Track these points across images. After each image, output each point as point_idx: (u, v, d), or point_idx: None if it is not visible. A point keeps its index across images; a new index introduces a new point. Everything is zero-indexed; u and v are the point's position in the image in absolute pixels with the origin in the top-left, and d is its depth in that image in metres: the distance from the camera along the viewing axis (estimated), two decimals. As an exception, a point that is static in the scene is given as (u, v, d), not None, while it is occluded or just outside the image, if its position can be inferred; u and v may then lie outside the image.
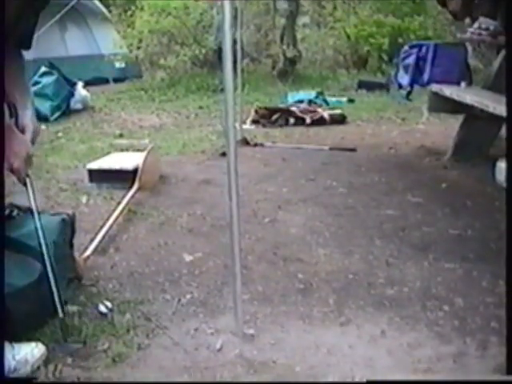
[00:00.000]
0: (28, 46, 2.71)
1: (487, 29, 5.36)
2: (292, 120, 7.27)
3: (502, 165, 4.71)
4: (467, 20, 6.15)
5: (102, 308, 2.87)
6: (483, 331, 2.68)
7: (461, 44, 5.61)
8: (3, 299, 2.45)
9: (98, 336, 2.64)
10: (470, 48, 10.52)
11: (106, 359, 2.47)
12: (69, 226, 3.06)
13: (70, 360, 2.47)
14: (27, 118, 2.63)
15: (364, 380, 2.32)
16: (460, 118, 5.62)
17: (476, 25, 5.50)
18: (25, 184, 2.67)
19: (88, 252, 3.38)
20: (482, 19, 5.47)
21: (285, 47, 10.04)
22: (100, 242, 3.55)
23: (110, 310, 2.88)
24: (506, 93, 3.31)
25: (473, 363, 2.46)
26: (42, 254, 2.78)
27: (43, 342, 2.51)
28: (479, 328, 2.71)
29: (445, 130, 6.61)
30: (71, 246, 3.11)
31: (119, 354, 2.50)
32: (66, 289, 2.95)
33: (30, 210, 2.99)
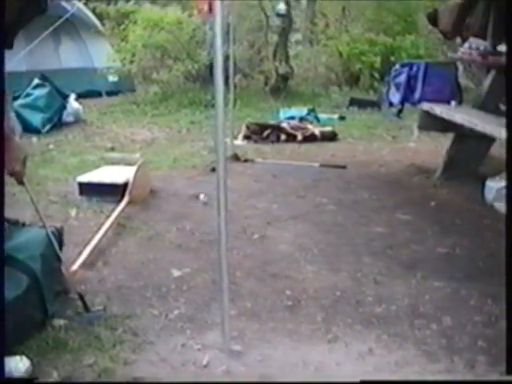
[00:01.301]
0: (10, 46, 2.73)
1: (477, 49, 5.42)
2: (283, 136, 7.28)
3: (490, 184, 4.75)
4: (458, 40, 6.22)
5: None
6: (471, 350, 2.69)
7: (451, 63, 5.66)
8: (3, 301, 2.45)
9: (84, 350, 2.63)
10: (461, 67, 10.63)
11: (91, 374, 2.46)
12: (57, 239, 3.05)
13: (55, 374, 2.46)
14: (12, 120, 2.67)
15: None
16: (450, 136, 5.65)
17: (466, 45, 5.57)
18: (23, 183, 2.93)
19: (76, 265, 3.36)
20: (472, 39, 5.54)
21: (277, 64, 10.08)
22: (88, 255, 3.54)
23: (104, 309, 2.95)
24: (506, 101, 3.33)
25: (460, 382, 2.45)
26: (30, 267, 2.78)
27: (28, 356, 2.49)
28: (467, 347, 2.72)
29: (435, 149, 6.64)
30: (59, 259, 3.09)
31: (105, 369, 2.48)
32: (54, 302, 2.94)
33: (18, 223, 2.99)
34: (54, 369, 2.49)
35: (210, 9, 5.68)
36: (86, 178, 4.89)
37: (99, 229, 3.90)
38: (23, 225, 3.15)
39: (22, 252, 2.79)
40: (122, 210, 4.28)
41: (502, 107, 4.42)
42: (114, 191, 4.61)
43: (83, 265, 3.43)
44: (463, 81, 9.86)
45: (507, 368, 2.34)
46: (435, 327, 2.89)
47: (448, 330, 2.86)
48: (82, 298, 2.97)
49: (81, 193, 4.79)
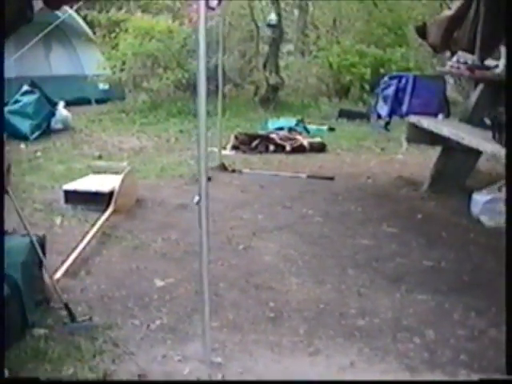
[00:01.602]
0: None
1: (465, 63, 5.44)
2: (272, 147, 7.28)
3: (477, 197, 4.75)
4: (448, 53, 6.25)
5: None
6: (453, 364, 2.68)
7: (440, 76, 5.68)
8: (3, 299, 2.42)
9: (63, 360, 2.60)
10: (451, 81, 10.69)
11: (70, 385, 2.43)
12: (38, 248, 3.02)
13: (33, 384, 2.42)
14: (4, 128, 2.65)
15: None
16: (439, 149, 5.66)
17: (455, 58, 5.58)
18: (7, 192, 2.84)
19: (58, 274, 3.33)
20: (460, 53, 5.56)
21: (267, 74, 10.09)
22: (71, 264, 3.51)
23: (90, 319, 2.92)
24: (506, 112, 3.33)
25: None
26: (10, 276, 2.75)
27: (6, 366, 2.46)
28: (449, 361, 2.71)
29: (424, 161, 6.65)
30: (40, 267, 3.06)
31: (84, 379, 2.45)
32: (34, 311, 2.92)
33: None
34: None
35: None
36: (71, 186, 4.86)
37: (83, 237, 3.87)
38: (5, 232, 3.11)
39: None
40: (107, 219, 4.25)
41: (487, 121, 4.44)
42: (99, 200, 4.59)
43: (66, 273, 3.41)
44: (453, 94, 9.93)
45: (507, 368, 2.33)
46: (418, 341, 2.87)
47: (431, 344, 2.85)
48: (67, 307, 2.94)
49: (66, 201, 4.76)
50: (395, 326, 3.01)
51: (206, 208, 2.53)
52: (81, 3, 7.51)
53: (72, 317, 2.90)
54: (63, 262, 3.49)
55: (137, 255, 3.85)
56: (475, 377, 2.57)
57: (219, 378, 2.50)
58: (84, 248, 3.73)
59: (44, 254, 3.11)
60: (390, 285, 3.51)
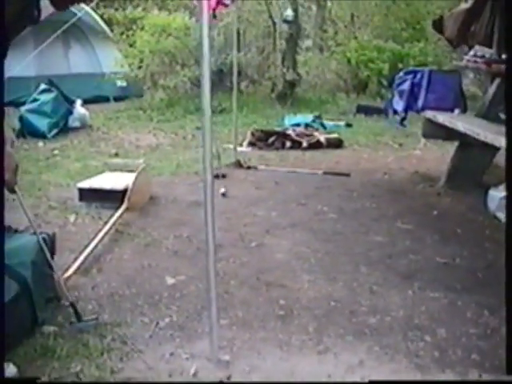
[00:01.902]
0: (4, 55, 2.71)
1: (483, 56, 5.37)
2: (288, 143, 7.26)
3: (493, 193, 4.69)
4: (465, 47, 6.17)
5: None
6: (463, 363, 2.64)
7: (456, 71, 5.61)
8: (3, 302, 2.44)
9: (71, 358, 2.61)
10: (471, 75, 10.56)
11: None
12: (48, 246, 3.04)
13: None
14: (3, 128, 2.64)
15: None
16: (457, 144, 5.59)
17: (472, 52, 5.52)
18: (14, 192, 2.90)
19: (70, 272, 3.35)
20: (477, 47, 5.49)
21: (285, 70, 10.06)
22: (83, 261, 3.52)
23: (96, 318, 2.93)
24: (506, 108, 3.28)
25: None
26: (20, 274, 2.77)
27: (15, 363, 2.48)
28: (460, 360, 2.67)
29: (441, 156, 6.58)
30: (50, 265, 3.07)
31: (91, 377, 2.46)
32: (44, 309, 2.93)
33: (10, 229, 2.98)
34: (41, 376, 2.47)
35: (214, 16, 5.67)
36: (86, 183, 4.88)
37: (96, 235, 3.89)
38: (15, 231, 3.14)
39: (13, 258, 2.77)
40: (120, 217, 4.26)
41: (502, 116, 4.36)
42: (113, 197, 4.60)
43: (77, 271, 3.42)
44: (471, 88, 9.82)
45: (507, 368, 2.29)
46: (429, 339, 2.84)
47: (442, 343, 2.81)
48: (73, 306, 2.94)
49: (81, 199, 4.78)
50: (406, 324, 2.97)
51: (211, 206, 2.49)
52: (94, 2, 7.55)
53: (78, 316, 2.90)
54: (75, 259, 3.50)
55: (148, 252, 3.85)
56: (486, 376, 2.53)
57: (225, 375, 2.49)
58: (96, 246, 3.74)
59: (53, 251, 3.12)
60: (402, 282, 3.47)
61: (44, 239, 3.00)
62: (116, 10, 11.21)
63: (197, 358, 2.63)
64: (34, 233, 3.06)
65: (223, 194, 5.16)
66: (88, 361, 2.58)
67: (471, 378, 2.53)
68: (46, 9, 3.03)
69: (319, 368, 2.57)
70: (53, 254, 3.11)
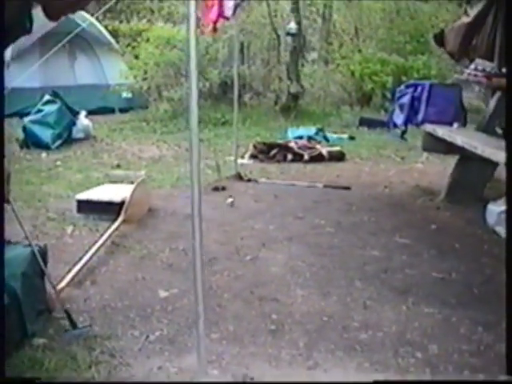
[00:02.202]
0: None
1: (483, 70, 5.36)
2: (290, 156, 7.25)
3: (492, 207, 4.66)
4: (467, 61, 6.16)
5: None
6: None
7: (456, 84, 5.59)
8: (3, 301, 2.44)
9: (59, 370, 2.61)
10: (477, 88, 10.52)
11: (62, 396, 2.43)
12: (40, 258, 3.04)
13: (26, 396, 2.43)
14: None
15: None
16: (458, 158, 5.57)
17: (472, 66, 5.51)
18: (8, 202, 2.88)
19: (63, 284, 3.34)
20: (478, 60, 5.48)
21: (288, 83, 10.08)
22: (77, 273, 3.52)
23: (90, 325, 2.96)
24: (506, 122, 3.27)
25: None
26: (10, 286, 2.77)
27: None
28: (451, 377, 2.64)
29: (443, 170, 6.55)
30: (43, 277, 3.08)
31: (77, 391, 2.45)
32: (35, 321, 2.93)
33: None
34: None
35: (215, 29, 5.68)
36: (84, 195, 4.89)
37: (91, 247, 3.88)
38: (8, 242, 3.13)
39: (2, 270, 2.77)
40: (116, 229, 4.26)
41: (498, 130, 4.35)
42: (110, 209, 4.60)
43: (71, 283, 3.41)
44: (476, 102, 9.78)
45: (507, 368, 2.26)
46: (420, 355, 2.81)
47: (433, 359, 2.79)
48: (68, 314, 2.95)
49: (79, 210, 4.78)
50: (398, 340, 2.95)
51: (199, 220, 2.48)
52: (100, 13, 7.59)
53: (73, 323, 2.91)
54: (68, 271, 3.50)
55: (143, 265, 3.85)
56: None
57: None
58: (91, 257, 3.73)
59: (46, 263, 3.12)
60: (396, 297, 3.45)
61: (35, 251, 2.99)
62: (121, 22, 11.27)
63: (185, 372, 2.61)
64: (28, 244, 3.07)
65: (231, 204, 5.23)
66: (76, 373, 2.57)
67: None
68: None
69: (307, 384, 2.55)
70: (45, 265, 3.10)
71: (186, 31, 2.38)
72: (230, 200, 5.23)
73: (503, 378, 2.33)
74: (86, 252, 3.81)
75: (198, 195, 2.46)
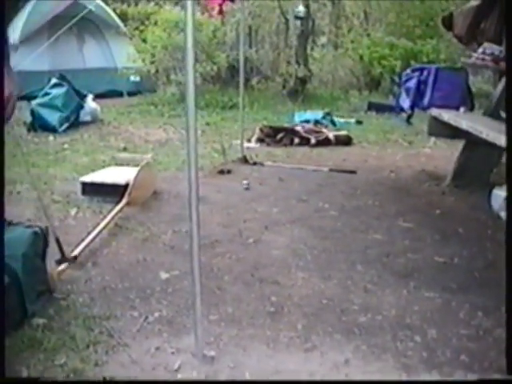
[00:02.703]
0: None
1: (491, 54, 5.31)
2: (297, 140, 7.23)
3: (497, 192, 4.64)
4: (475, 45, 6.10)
5: None
6: (451, 364, 2.61)
7: (462, 68, 5.55)
8: (3, 296, 2.46)
9: (57, 350, 2.62)
10: (486, 73, 10.42)
11: (60, 374, 2.45)
12: (41, 239, 3.05)
13: (25, 373, 2.45)
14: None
15: None
16: (465, 143, 5.53)
17: (481, 49, 5.46)
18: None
19: (64, 265, 3.36)
20: (486, 44, 5.43)
21: (296, 66, 10.03)
22: (78, 255, 3.53)
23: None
24: (506, 107, 3.24)
25: (434, 397, 2.38)
26: (10, 267, 2.78)
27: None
28: (448, 361, 2.64)
29: (450, 155, 6.49)
30: (43, 258, 3.09)
31: (74, 369, 2.47)
32: (36, 301, 2.94)
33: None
34: (26, 368, 2.49)
35: (221, 11, 5.66)
36: (88, 178, 4.90)
37: (94, 229, 3.90)
38: (9, 224, 3.15)
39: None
40: (120, 211, 4.27)
41: (502, 114, 4.31)
42: (115, 192, 4.60)
43: (72, 264, 3.43)
44: (485, 86, 9.71)
45: (507, 368, 2.26)
46: (419, 339, 2.81)
47: (431, 343, 2.78)
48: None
49: (83, 193, 4.80)
50: (397, 324, 2.94)
51: (196, 201, 2.48)
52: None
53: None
54: (70, 252, 3.51)
55: (145, 247, 3.86)
56: (472, 378, 2.50)
57: (209, 372, 2.48)
58: (93, 239, 3.75)
59: (47, 245, 3.14)
60: (397, 281, 3.44)
61: (36, 232, 3.01)
62: (129, 5, 11.24)
63: (182, 352, 2.62)
64: (28, 226, 3.08)
65: (246, 188, 5.25)
66: (73, 353, 2.59)
67: (457, 378, 2.50)
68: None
69: (304, 366, 2.56)
70: (45, 247, 3.12)
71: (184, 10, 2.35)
72: (245, 182, 5.21)
73: (504, 378, 2.32)
74: (89, 234, 3.83)
75: (195, 177, 2.46)
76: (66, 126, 7.93)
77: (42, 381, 2.40)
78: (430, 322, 2.97)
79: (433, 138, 7.30)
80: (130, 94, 10.66)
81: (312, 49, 11.80)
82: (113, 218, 4.15)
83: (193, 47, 2.32)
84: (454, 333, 2.88)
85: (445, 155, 6.73)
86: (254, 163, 6.14)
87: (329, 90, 10.95)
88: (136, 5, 10.95)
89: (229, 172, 5.73)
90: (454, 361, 2.64)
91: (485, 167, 5.35)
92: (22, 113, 7.84)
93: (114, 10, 11.16)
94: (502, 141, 3.97)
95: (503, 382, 2.33)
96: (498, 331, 2.88)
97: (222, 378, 2.45)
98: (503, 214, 4.49)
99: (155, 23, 10.20)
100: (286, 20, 10.50)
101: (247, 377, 2.46)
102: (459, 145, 5.75)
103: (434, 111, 5.15)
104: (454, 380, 2.37)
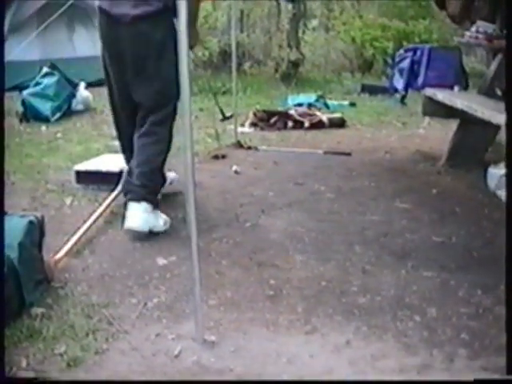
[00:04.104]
0: None
1: (485, 32, 5.28)
2: (290, 123, 7.20)
3: (493, 171, 4.63)
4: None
5: None
6: (452, 343, 2.61)
7: (456, 47, 5.52)
8: (3, 296, 2.44)
9: (57, 339, 2.60)
10: (479, 53, 10.38)
11: (60, 363, 2.43)
12: (37, 228, 3.03)
13: (24, 363, 2.44)
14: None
15: None
16: (459, 122, 5.52)
17: (474, 28, 5.42)
18: None
19: (61, 254, 3.35)
20: (479, 23, 5.40)
21: (288, 50, 9.98)
22: (75, 243, 3.51)
23: None
24: (506, 85, 3.23)
25: (436, 376, 2.38)
26: (6, 256, 2.76)
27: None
28: (448, 340, 2.64)
29: (445, 135, 6.47)
30: (40, 247, 3.07)
31: (75, 358, 2.45)
32: (34, 291, 2.92)
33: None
34: (25, 357, 2.47)
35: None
36: (83, 166, 4.86)
37: (90, 217, 3.88)
38: (4, 213, 3.12)
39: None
40: (115, 199, 4.24)
41: (498, 92, 4.29)
42: (110, 179, 4.57)
43: (69, 253, 3.41)
44: (478, 66, 9.68)
45: (507, 368, 2.26)
46: (419, 319, 2.81)
47: (431, 322, 2.78)
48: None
49: (78, 181, 4.76)
50: (396, 304, 2.94)
51: (192, 186, 2.46)
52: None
53: None
54: (67, 241, 3.49)
55: (142, 234, 3.83)
56: (473, 357, 2.50)
57: (210, 357, 2.48)
58: (89, 227, 3.73)
59: (43, 234, 3.11)
60: (396, 261, 3.44)
61: (32, 221, 2.98)
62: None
63: (183, 338, 2.61)
64: (23, 215, 3.06)
65: (236, 172, 5.21)
66: (73, 342, 2.57)
67: (459, 358, 2.50)
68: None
69: (305, 348, 2.55)
70: (42, 236, 3.10)
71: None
72: (234, 168, 5.19)
73: (503, 377, 2.32)
74: (85, 222, 3.80)
75: (191, 161, 2.44)
76: (58, 115, 7.86)
77: (41, 381, 2.37)
78: (430, 302, 2.97)
79: (427, 119, 7.29)
80: (122, 81, 10.56)
81: (304, 32, 11.73)
82: (109, 205, 4.12)
83: (186, 32, 2.27)
84: (454, 311, 2.88)
85: (439, 135, 6.73)
86: (249, 147, 6.12)
87: (321, 72, 10.90)
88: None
89: (223, 157, 5.71)
90: (455, 339, 2.64)
91: (480, 146, 5.34)
92: (14, 103, 7.79)
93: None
94: (497, 119, 3.96)
95: (503, 381, 2.33)
96: (497, 309, 2.88)
97: (223, 362, 2.44)
98: (499, 193, 4.50)
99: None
100: (278, 3, 10.44)
101: (248, 361, 2.45)
102: (453, 125, 5.74)
103: (429, 91, 5.13)
104: (454, 380, 2.36)
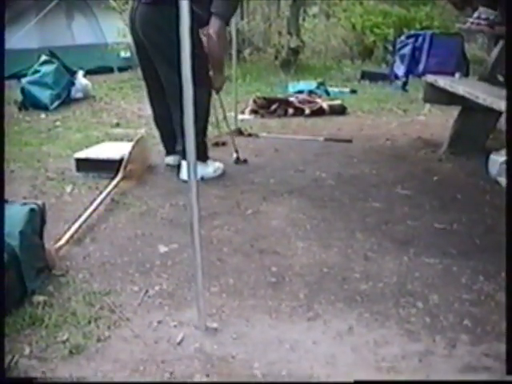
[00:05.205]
0: None
1: (487, 19, 5.24)
2: (291, 110, 7.18)
3: (494, 157, 4.62)
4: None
5: None
6: (454, 329, 2.61)
7: (458, 34, 5.49)
8: (3, 294, 2.43)
9: (59, 326, 2.60)
10: (480, 40, 10.33)
11: (63, 350, 2.43)
12: (38, 216, 3.02)
13: (27, 350, 2.43)
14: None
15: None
16: (460, 109, 5.50)
17: (475, 14, 5.39)
18: None
19: (62, 241, 3.34)
20: (481, 9, 5.36)
21: (288, 37, 9.93)
22: (76, 231, 3.51)
23: None
24: (506, 72, 3.20)
25: (438, 362, 2.38)
26: (8, 244, 2.75)
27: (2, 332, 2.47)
28: (451, 326, 2.64)
29: (446, 122, 6.48)
30: (41, 235, 3.06)
31: (77, 345, 2.45)
32: (35, 279, 2.92)
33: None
34: (28, 345, 2.46)
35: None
36: (83, 154, 4.85)
37: (90, 205, 3.86)
38: (5, 201, 3.11)
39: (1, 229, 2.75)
40: (116, 186, 4.23)
41: (500, 78, 4.27)
42: (110, 167, 4.55)
43: (70, 241, 3.41)
44: (479, 53, 9.64)
45: (507, 368, 2.26)
46: (421, 305, 2.80)
47: (434, 309, 2.78)
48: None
49: (78, 169, 4.75)
50: (399, 291, 2.94)
51: (194, 173, 2.44)
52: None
53: None
54: (67, 229, 3.48)
55: (143, 221, 3.83)
56: (475, 343, 2.50)
57: (212, 344, 2.47)
58: (90, 215, 3.72)
59: (44, 222, 3.10)
60: (398, 248, 3.43)
61: (33, 209, 2.97)
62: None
63: (185, 325, 2.61)
64: (24, 203, 3.04)
65: (236, 161, 5.17)
66: (75, 329, 2.57)
67: (461, 343, 2.50)
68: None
69: (307, 335, 2.55)
70: (43, 224, 3.09)
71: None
72: (235, 156, 5.17)
73: (503, 377, 2.32)
74: (86, 210, 3.79)
75: (193, 149, 2.41)
76: (57, 103, 7.83)
77: (40, 381, 2.36)
78: (432, 288, 2.97)
79: (428, 106, 7.27)
80: (121, 69, 10.55)
81: (304, 19, 11.67)
82: (109, 193, 4.11)
83: (188, 19, 2.24)
84: (456, 298, 2.88)
85: (440, 122, 6.71)
86: (249, 135, 6.10)
87: (322, 59, 10.85)
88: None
89: (224, 144, 5.69)
90: (457, 325, 2.64)
91: (481, 133, 5.32)
92: (12, 91, 7.76)
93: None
94: (499, 105, 3.94)
95: (503, 382, 2.33)
96: (499, 295, 2.88)
97: (225, 349, 2.44)
98: (501, 180, 4.49)
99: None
100: (278, -11, 10.38)
101: (250, 348, 2.45)
102: (454, 112, 5.72)
103: (430, 77, 5.10)
104: (454, 380, 2.36)
